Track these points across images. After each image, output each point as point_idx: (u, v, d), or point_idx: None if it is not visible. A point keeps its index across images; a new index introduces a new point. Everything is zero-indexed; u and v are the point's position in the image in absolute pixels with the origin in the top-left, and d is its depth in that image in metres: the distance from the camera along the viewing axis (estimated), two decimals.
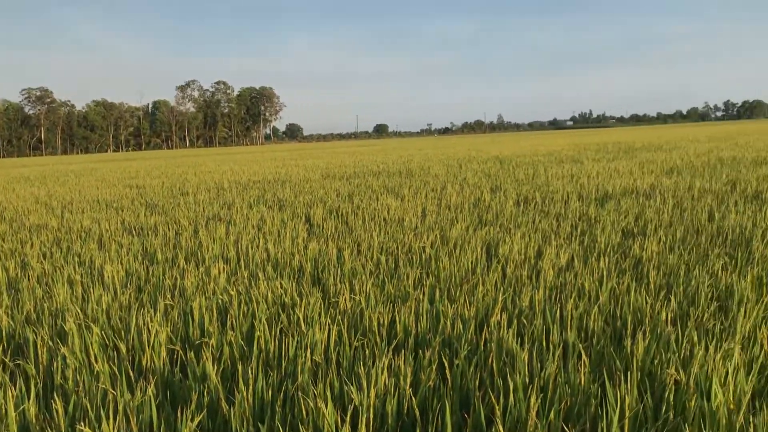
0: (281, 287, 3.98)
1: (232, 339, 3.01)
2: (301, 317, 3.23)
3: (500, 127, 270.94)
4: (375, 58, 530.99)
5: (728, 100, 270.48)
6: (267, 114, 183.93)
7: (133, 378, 2.76)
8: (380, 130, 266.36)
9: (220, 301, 3.81)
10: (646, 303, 3.25)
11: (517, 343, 2.74)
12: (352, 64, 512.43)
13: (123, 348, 3.07)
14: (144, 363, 2.92)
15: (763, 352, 2.50)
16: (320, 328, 3.11)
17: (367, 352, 2.86)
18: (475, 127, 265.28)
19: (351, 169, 17.36)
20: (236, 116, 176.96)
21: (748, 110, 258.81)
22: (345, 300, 3.57)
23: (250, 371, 2.56)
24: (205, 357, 2.78)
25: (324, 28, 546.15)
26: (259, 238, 6.02)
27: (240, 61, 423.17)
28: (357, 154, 33.50)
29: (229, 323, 3.31)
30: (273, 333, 3.10)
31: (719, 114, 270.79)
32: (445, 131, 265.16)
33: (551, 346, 2.71)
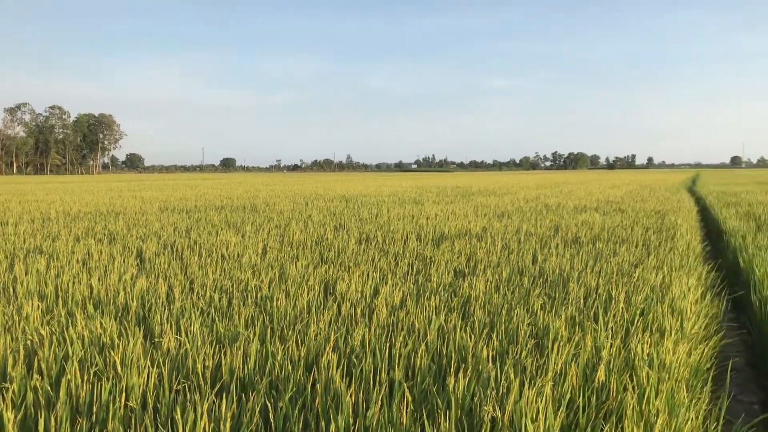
0: (101, 326, 3.71)
1: (38, 383, 2.74)
2: (118, 359, 3.01)
3: (349, 166, 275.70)
4: (224, 90, 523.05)
5: (556, 151, 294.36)
6: (106, 142, 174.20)
7: None
8: (227, 164, 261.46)
9: (29, 341, 3.47)
10: (471, 341, 3.36)
11: (345, 383, 2.72)
12: (200, 95, 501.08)
13: None
14: None
15: (571, 387, 2.66)
16: (139, 371, 2.91)
17: (188, 396, 2.72)
18: (325, 166, 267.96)
19: (192, 203, 16.80)
20: (72, 143, 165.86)
21: (573, 161, 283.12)
22: (169, 340, 3.39)
23: (53, 419, 2.33)
24: (2, 405, 2.51)
25: (171, 56, 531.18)
26: (83, 274, 5.61)
27: (77, 86, 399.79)
28: (200, 187, 32.55)
29: (36, 366, 3.02)
30: (86, 377, 2.86)
31: (548, 164, 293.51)
32: (295, 168, 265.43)
33: (378, 385, 2.71)
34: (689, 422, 2.54)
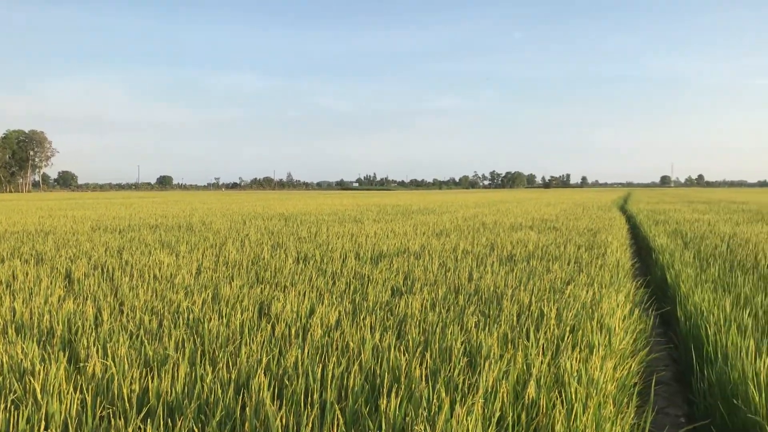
0: (22, 351, 3.55)
1: None
2: (38, 386, 2.89)
3: (290, 184, 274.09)
4: (163, 106, 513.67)
5: (494, 171, 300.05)
6: (36, 159, 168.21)
7: None
8: (164, 182, 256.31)
9: None
10: (405, 360, 3.36)
11: (276, 406, 2.68)
12: (138, 112, 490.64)
13: None
14: None
15: (502, 404, 2.69)
16: (61, 398, 2.80)
17: (113, 422, 2.62)
18: (265, 184, 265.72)
19: (126, 222, 16.37)
20: (0, 160, 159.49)
21: (510, 180, 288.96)
22: (95, 365, 3.27)
23: None
24: None
25: (110, 71, 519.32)
26: (5, 296, 5.37)
27: (4, 101, 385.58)
28: (135, 205, 31.76)
29: None
30: (2, 405, 2.73)
31: (486, 182, 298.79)
32: (234, 186, 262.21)
33: (309, 407, 2.68)
34: None
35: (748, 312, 5.01)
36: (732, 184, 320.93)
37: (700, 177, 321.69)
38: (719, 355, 4.12)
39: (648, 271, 9.76)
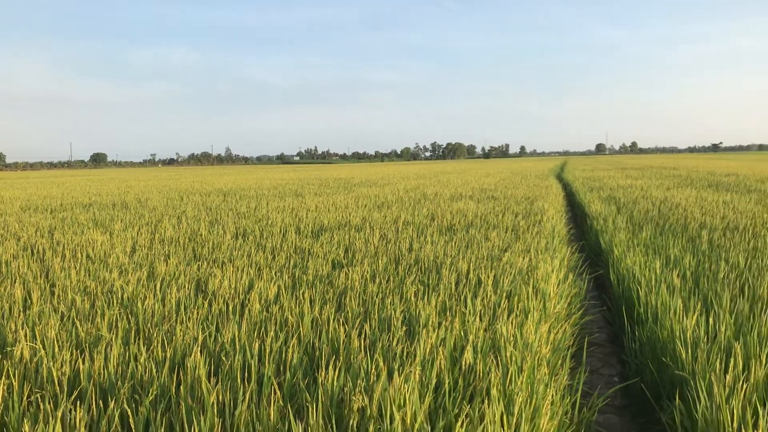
0: None
1: None
2: None
3: (229, 159, 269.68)
4: (95, 81, 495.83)
5: (435, 142, 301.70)
6: None
7: None
8: (98, 160, 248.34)
9: None
10: (344, 331, 3.36)
11: (212, 383, 2.64)
12: (68, 87, 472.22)
13: None
14: None
15: (439, 371, 2.72)
16: None
17: (42, 406, 2.54)
18: (203, 159, 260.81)
19: (57, 201, 15.81)
20: None
21: (451, 151, 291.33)
22: (22, 349, 3.15)
23: None
24: None
25: (34, 45, 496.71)
26: None
27: None
28: (67, 184, 30.70)
29: None
30: None
31: (428, 154, 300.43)
32: (171, 162, 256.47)
33: (246, 383, 2.65)
34: (549, 397, 2.66)
35: (676, 273, 5.19)
36: (664, 151, 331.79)
37: (634, 144, 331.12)
38: (649, 316, 4.26)
39: (583, 236, 10.02)
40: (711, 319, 3.84)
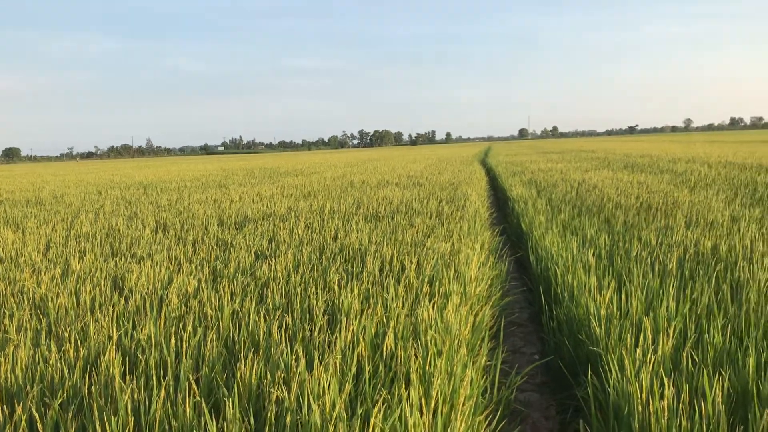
0: None
1: None
2: None
3: (150, 151, 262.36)
4: (5, 73, 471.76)
5: (362, 130, 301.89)
6: None
7: None
8: (10, 155, 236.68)
9: None
10: (264, 324, 3.32)
11: (126, 382, 2.56)
12: None
13: None
14: None
15: (359, 359, 2.73)
16: None
17: None
18: (123, 152, 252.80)
19: None
20: None
21: (379, 138, 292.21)
22: None
23: None
24: None
25: None
26: None
27: None
28: None
29: None
30: None
31: (355, 142, 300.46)
32: (89, 156, 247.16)
33: (162, 380, 2.59)
34: (467, 378, 2.71)
35: (592, 252, 5.37)
36: (583, 134, 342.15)
37: (555, 128, 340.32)
38: (566, 294, 4.39)
39: (506, 219, 10.24)
40: (624, 296, 3.99)
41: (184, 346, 2.99)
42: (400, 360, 2.84)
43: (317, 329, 3.20)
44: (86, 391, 2.58)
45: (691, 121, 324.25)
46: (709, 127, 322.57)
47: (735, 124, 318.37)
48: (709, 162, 17.48)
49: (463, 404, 2.53)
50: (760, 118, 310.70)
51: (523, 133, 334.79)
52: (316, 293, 3.99)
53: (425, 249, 5.46)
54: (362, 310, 3.59)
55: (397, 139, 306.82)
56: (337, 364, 2.59)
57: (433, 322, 3.30)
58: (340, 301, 3.78)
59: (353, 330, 3.05)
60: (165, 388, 2.45)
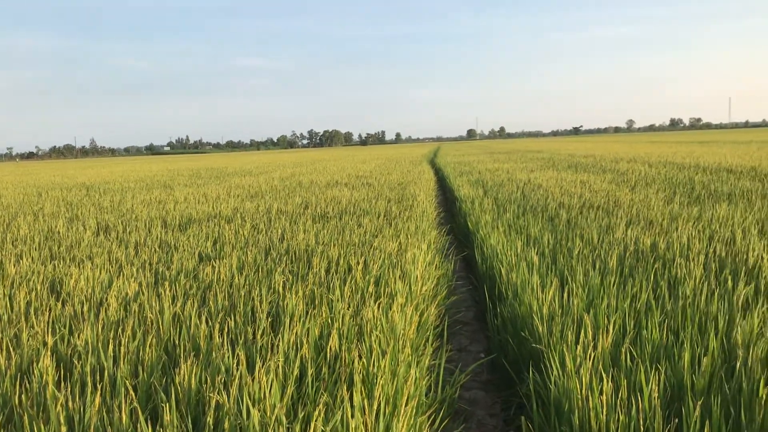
0: None
1: None
2: None
3: (94, 152, 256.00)
4: None
5: (312, 130, 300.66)
6: None
7: None
8: None
9: None
10: (206, 327, 3.26)
11: (60, 389, 2.48)
12: None
13: None
14: None
15: (302, 361, 2.70)
16: None
17: None
18: (66, 152, 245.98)
19: None
20: None
21: (329, 138, 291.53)
22: None
23: None
24: None
25: None
26: None
27: None
28: None
29: None
30: None
31: (305, 142, 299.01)
32: (30, 156, 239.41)
33: (99, 387, 2.51)
34: (411, 377, 2.71)
35: (536, 251, 5.45)
36: (530, 134, 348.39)
37: (502, 129, 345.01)
38: (510, 293, 4.45)
39: (453, 219, 10.31)
40: (566, 294, 4.06)
41: (122, 351, 2.91)
42: (344, 361, 2.83)
43: (260, 332, 3.16)
44: (17, 400, 2.49)
45: (634, 122, 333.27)
46: (651, 128, 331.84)
47: (675, 124, 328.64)
48: (650, 162, 17.97)
49: (406, 404, 2.53)
50: (699, 119, 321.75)
51: (471, 134, 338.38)
52: (261, 295, 3.94)
53: (372, 249, 5.45)
54: (307, 312, 3.56)
55: (347, 139, 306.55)
56: (280, 367, 2.56)
57: (378, 322, 3.29)
58: (285, 302, 3.74)
59: (297, 332, 3.02)
60: (101, 394, 2.38)
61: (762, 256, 4.73)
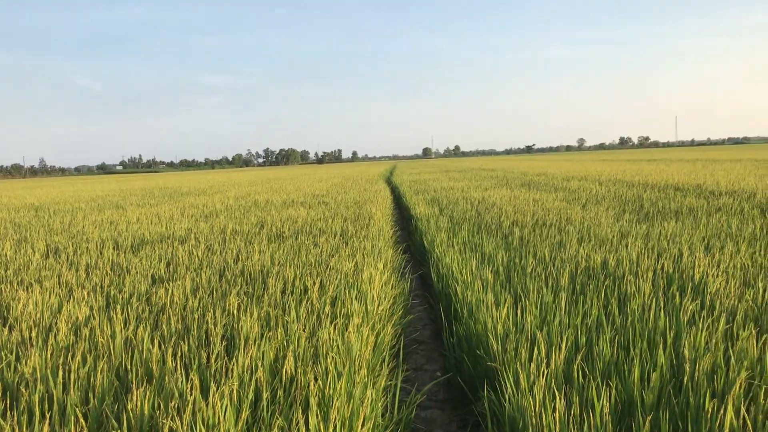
0: None
1: None
2: None
3: (44, 171, 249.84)
4: None
5: (267, 148, 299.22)
6: None
7: None
8: None
9: None
10: (159, 351, 3.21)
11: (6, 419, 2.41)
12: None
13: None
14: None
15: (257, 385, 2.68)
16: None
17: None
18: (13, 172, 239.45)
19: None
20: None
21: (285, 157, 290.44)
22: None
23: None
24: None
25: None
26: None
27: None
28: None
29: None
30: None
31: (261, 160, 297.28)
32: None
33: (47, 415, 2.45)
34: (367, 399, 2.72)
35: (490, 269, 5.52)
36: (484, 153, 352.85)
37: (457, 148, 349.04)
38: (465, 311, 4.49)
39: (410, 237, 10.37)
40: (519, 311, 4.12)
41: (72, 377, 2.84)
42: (300, 384, 2.82)
43: (215, 355, 3.13)
44: None
45: (585, 140, 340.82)
46: (601, 146, 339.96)
47: (624, 143, 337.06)
48: (600, 180, 18.38)
49: (362, 426, 2.53)
50: (647, 138, 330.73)
51: (426, 152, 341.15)
52: (215, 318, 3.90)
53: (329, 269, 5.45)
54: (262, 334, 3.53)
55: (303, 158, 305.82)
56: (234, 391, 2.54)
57: (334, 343, 3.29)
58: (240, 325, 3.71)
59: (252, 355, 3.00)
60: (49, 423, 2.32)
61: (707, 272, 4.88)
